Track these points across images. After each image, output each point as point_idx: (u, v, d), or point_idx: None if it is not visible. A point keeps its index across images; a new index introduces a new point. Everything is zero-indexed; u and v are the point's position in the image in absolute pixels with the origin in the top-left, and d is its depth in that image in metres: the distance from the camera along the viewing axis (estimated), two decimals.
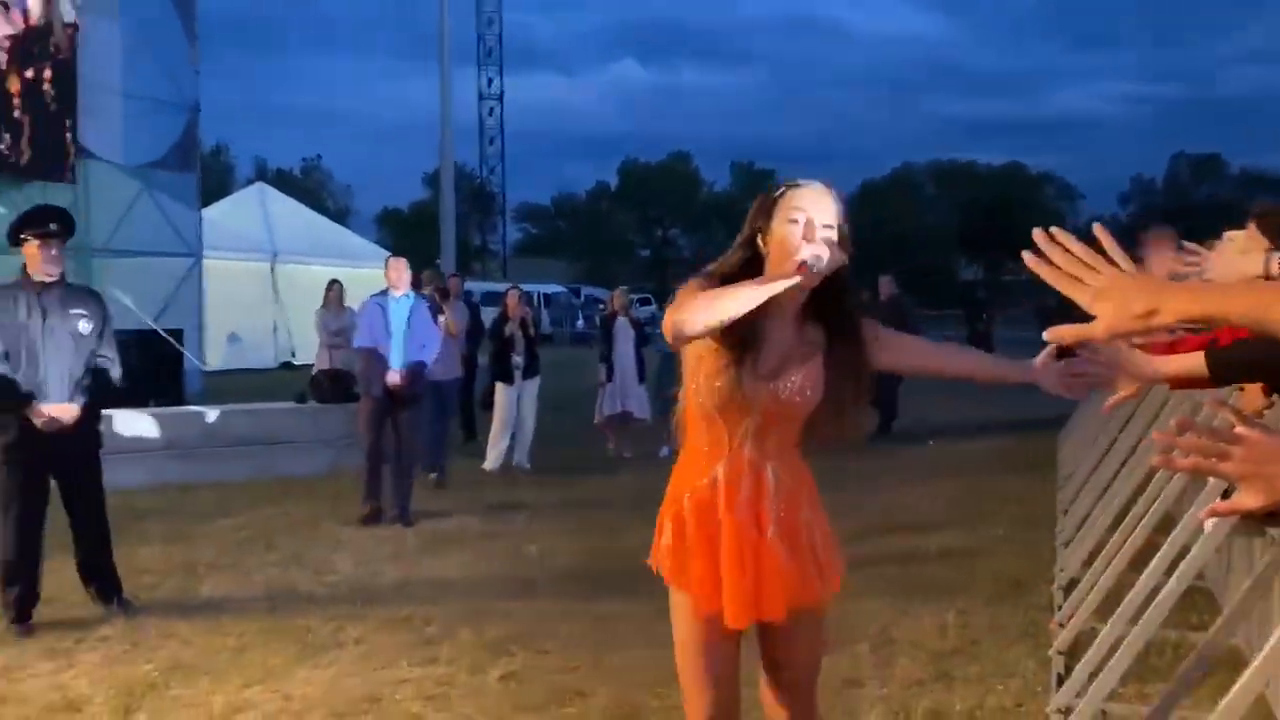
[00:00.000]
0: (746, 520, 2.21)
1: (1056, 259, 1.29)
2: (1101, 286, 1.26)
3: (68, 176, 13.66)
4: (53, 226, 4.64)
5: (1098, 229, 1.37)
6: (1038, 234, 1.33)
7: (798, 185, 2.21)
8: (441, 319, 8.20)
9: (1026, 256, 1.33)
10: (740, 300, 2.06)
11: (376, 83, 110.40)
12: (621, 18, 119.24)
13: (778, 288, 2.08)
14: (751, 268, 2.20)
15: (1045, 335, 1.45)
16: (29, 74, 13.52)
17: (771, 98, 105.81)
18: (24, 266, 4.66)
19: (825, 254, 2.11)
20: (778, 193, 2.21)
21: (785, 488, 2.24)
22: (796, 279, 2.08)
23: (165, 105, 15.26)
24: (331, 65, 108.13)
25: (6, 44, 13.45)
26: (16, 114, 13.45)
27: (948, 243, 59.51)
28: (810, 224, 2.14)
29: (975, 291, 22.27)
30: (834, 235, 2.16)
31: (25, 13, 13.48)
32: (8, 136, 13.50)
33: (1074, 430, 9.21)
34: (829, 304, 2.22)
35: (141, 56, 14.67)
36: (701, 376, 2.20)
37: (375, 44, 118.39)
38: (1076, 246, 1.30)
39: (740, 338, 2.14)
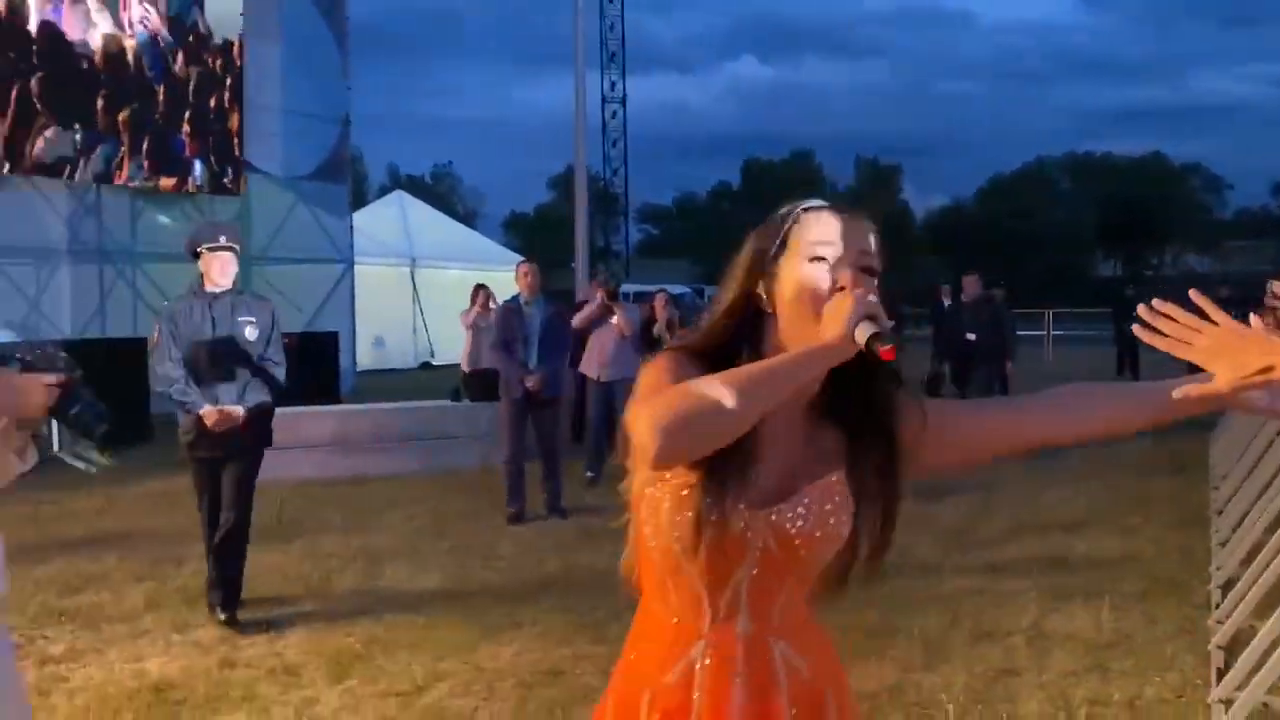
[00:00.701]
0: None
1: (1163, 327, 1.42)
2: (1207, 346, 1.39)
3: (215, 185, 14.86)
4: (222, 239, 5.03)
5: (1193, 294, 1.49)
6: (1142, 309, 1.45)
7: (817, 208, 1.47)
8: (614, 320, 8.56)
9: (1137, 329, 1.44)
10: (761, 393, 1.30)
11: (499, 88, 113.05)
12: (740, 14, 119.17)
13: (814, 366, 1.34)
14: (748, 334, 1.47)
15: (1174, 395, 1.41)
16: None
17: (895, 91, 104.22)
18: (200, 277, 5.07)
19: (876, 304, 1.35)
20: (788, 221, 1.47)
21: (804, 682, 1.44)
22: (846, 352, 1.33)
23: (319, 119, 16.17)
24: (456, 72, 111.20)
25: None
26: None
27: (1084, 239, 57.60)
28: (844, 261, 1.41)
29: (1123, 289, 21.16)
30: (874, 278, 1.44)
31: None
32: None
33: (1226, 431, 9.01)
34: (855, 389, 1.45)
35: (298, 73, 15.62)
36: (662, 501, 1.41)
37: (497, 51, 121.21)
38: (1179, 314, 1.43)
39: (729, 448, 1.34)
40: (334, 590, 5.40)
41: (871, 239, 1.45)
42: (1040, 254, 52.06)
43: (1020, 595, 5.08)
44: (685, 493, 1.39)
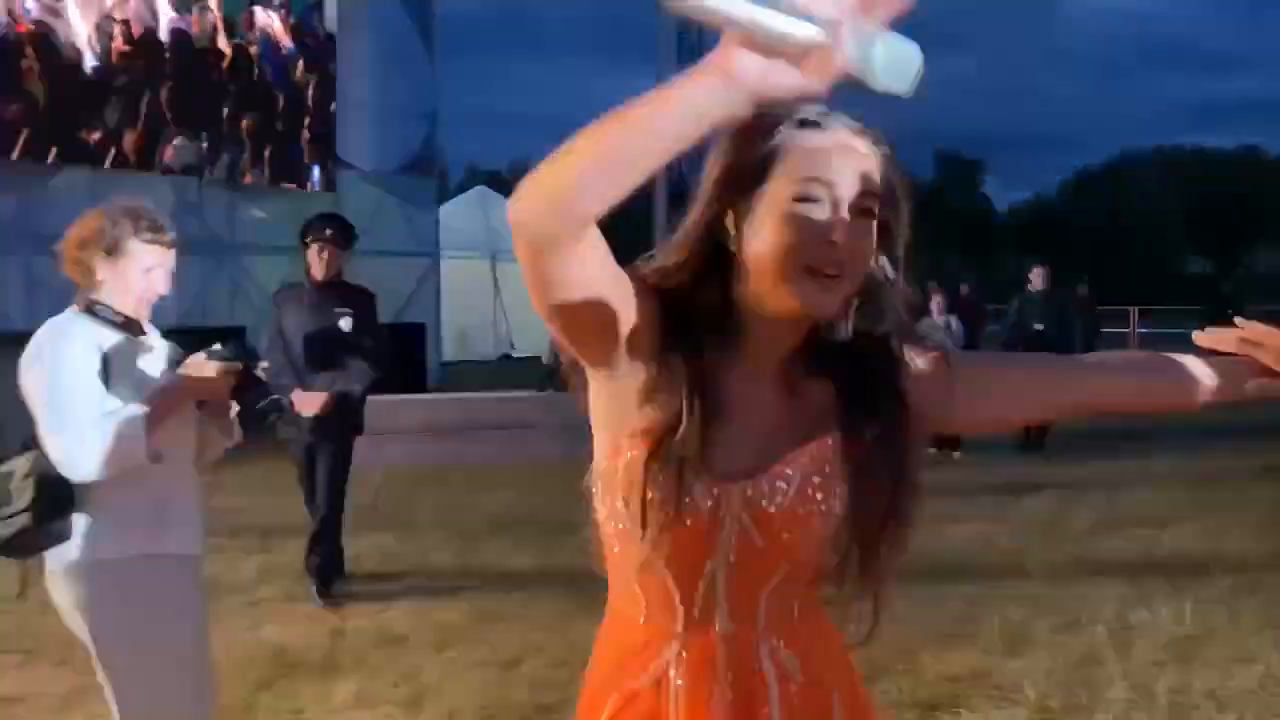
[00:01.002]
0: None
1: (1227, 342, 1.42)
2: (1276, 346, 1.41)
3: (329, 186, 15.40)
4: (327, 232, 5.20)
5: (1240, 323, 1.45)
6: (1198, 336, 1.44)
7: (814, 123, 1.12)
8: None
9: (1196, 336, 1.39)
10: (680, 102, 0.94)
11: (577, 83, 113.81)
12: None
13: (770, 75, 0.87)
14: (712, 276, 1.18)
15: (1249, 387, 1.30)
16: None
17: (976, 82, 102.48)
18: (307, 267, 5.25)
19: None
20: (774, 136, 1.11)
21: (799, 687, 1.22)
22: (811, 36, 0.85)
23: (407, 115, 16.60)
24: (534, 66, 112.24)
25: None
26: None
27: (1173, 234, 56.13)
28: (842, 204, 1.10)
29: (1216, 285, 20.55)
30: (872, 221, 1.13)
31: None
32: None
33: None
34: (851, 340, 1.19)
35: (387, 69, 16.06)
36: (614, 476, 1.18)
37: (575, 45, 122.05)
38: (1233, 333, 1.45)
39: (686, 395, 1.13)
40: (433, 567, 5.68)
41: (877, 171, 1.12)
42: (1127, 250, 50.87)
43: (1103, 588, 5.13)
44: (638, 466, 1.14)
